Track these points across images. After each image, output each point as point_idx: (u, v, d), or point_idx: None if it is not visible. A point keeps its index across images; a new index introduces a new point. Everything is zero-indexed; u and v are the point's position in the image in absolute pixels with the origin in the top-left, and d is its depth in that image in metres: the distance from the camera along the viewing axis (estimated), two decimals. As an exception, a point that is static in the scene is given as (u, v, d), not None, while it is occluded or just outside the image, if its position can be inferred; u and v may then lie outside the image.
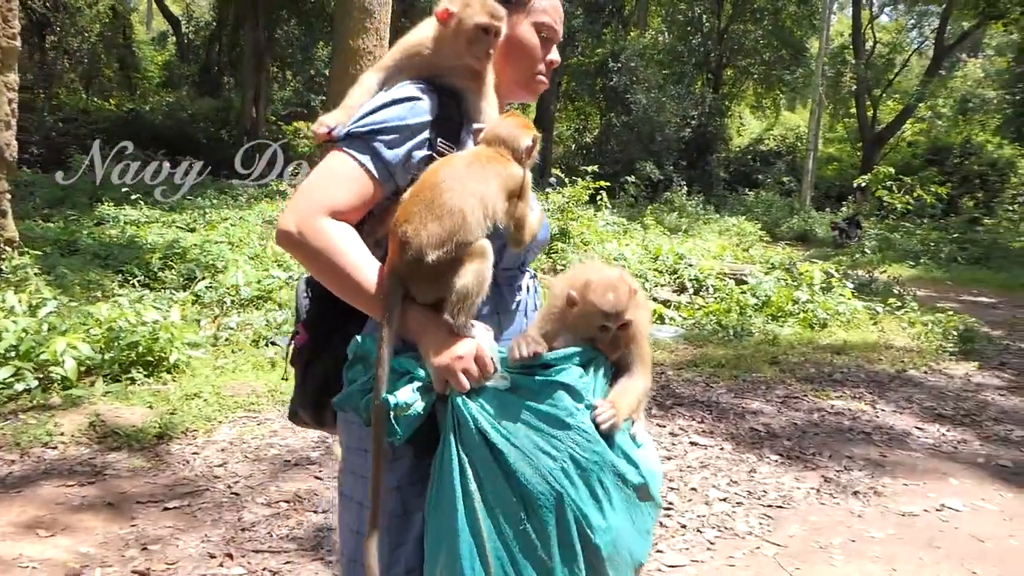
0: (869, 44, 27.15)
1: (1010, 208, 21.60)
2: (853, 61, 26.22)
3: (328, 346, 1.57)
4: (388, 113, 1.46)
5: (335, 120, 1.53)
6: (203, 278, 7.00)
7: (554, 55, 1.67)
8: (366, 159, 1.44)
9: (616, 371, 1.54)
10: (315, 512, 3.37)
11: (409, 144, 1.47)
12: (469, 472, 1.36)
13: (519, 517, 1.35)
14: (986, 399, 5.69)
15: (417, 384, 1.41)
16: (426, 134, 1.49)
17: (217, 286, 6.80)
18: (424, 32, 1.59)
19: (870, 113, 25.93)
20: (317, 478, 3.73)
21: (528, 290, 1.66)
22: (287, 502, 3.45)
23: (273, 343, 5.70)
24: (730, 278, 9.24)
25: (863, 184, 20.11)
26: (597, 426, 1.41)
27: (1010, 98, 25.13)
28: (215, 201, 12.18)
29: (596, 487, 1.38)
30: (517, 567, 1.35)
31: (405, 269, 1.39)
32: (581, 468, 1.38)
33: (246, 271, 7.14)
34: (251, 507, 3.38)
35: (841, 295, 8.44)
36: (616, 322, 1.47)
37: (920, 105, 25.43)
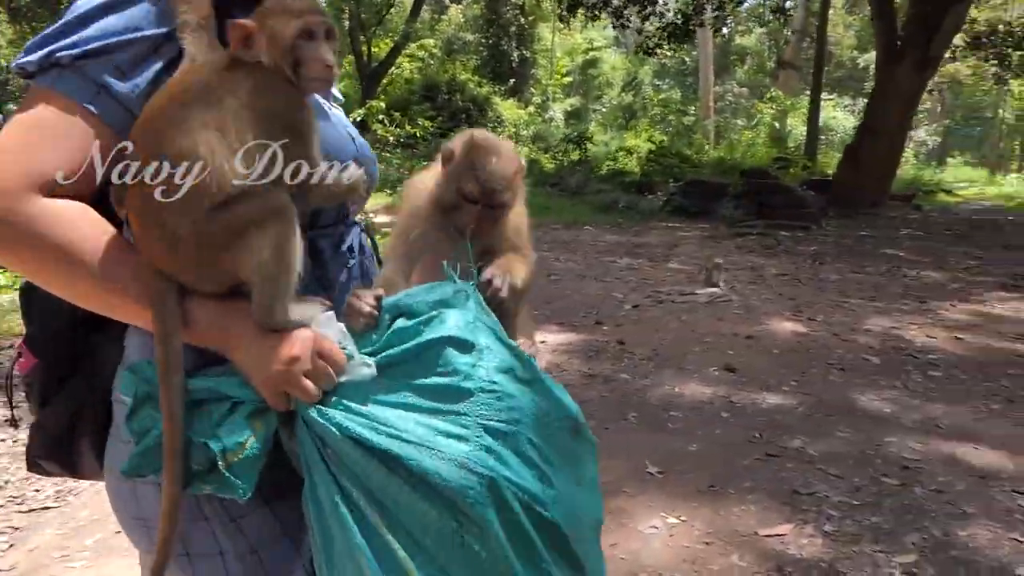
0: (360, -17, 27.75)
1: (487, 139, 24.66)
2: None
3: (72, 373, 1.08)
4: (111, 22, 0.94)
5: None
6: None
7: None
8: (87, 96, 0.93)
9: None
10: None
11: (155, 66, 0.97)
12: (361, 501, 0.95)
13: (451, 529, 0.95)
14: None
15: (246, 410, 0.99)
16: (173, 50, 0.98)
17: None
18: None
19: (365, 50, 26.69)
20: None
21: (362, 250, 1.21)
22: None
23: None
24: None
25: (360, 118, 20.86)
26: (492, 296, 1.07)
27: (485, 41, 28.42)
28: None
29: (527, 450, 1.01)
30: None
31: (159, 254, 0.94)
32: (502, 435, 0.99)
33: None
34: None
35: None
36: (489, 191, 1.13)
37: (413, 45, 27.09)
